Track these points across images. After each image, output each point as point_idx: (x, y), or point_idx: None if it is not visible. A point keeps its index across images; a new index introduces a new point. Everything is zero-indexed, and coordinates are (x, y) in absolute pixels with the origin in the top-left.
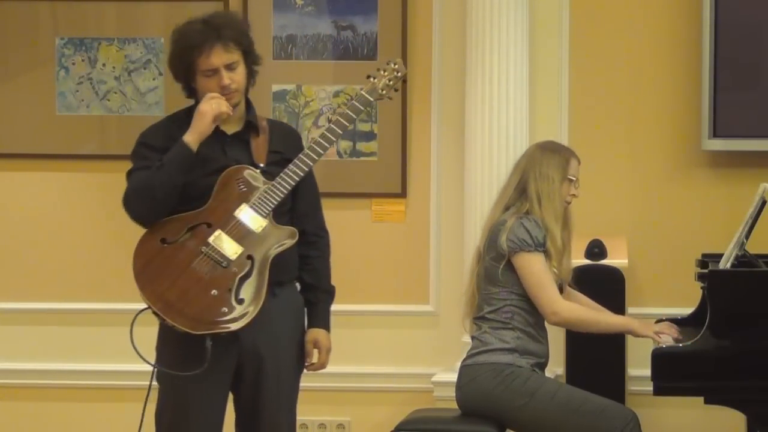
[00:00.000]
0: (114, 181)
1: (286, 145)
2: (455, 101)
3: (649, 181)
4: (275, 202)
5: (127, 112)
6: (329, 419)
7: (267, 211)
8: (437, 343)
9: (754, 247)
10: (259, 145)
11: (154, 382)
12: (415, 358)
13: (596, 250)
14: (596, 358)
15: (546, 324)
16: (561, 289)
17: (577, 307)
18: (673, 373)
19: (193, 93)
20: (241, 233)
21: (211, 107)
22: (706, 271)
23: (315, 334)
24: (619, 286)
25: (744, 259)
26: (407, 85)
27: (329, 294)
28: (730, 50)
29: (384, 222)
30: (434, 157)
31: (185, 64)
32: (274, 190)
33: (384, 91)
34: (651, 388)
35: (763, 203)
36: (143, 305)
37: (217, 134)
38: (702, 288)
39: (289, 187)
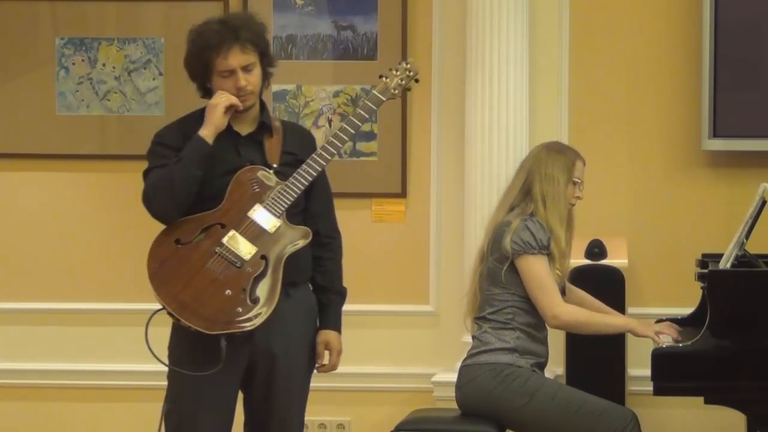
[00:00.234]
0: (114, 181)
1: (299, 145)
2: (455, 101)
3: (649, 181)
4: (289, 202)
5: (127, 112)
6: (329, 419)
7: (280, 211)
8: (437, 343)
9: (754, 247)
10: (273, 146)
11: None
12: (415, 358)
13: (596, 250)
14: (596, 358)
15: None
16: (563, 291)
17: (578, 310)
18: (673, 373)
19: (208, 93)
20: (254, 233)
21: (221, 100)
22: (706, 271)
23: (326, 335)
24: (619, 286)
25: (744, 259)
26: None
27: (341, 296)
28: (730, 50)
29: (384, 222)
30: (434, 157)
31: (202, 64)
32: (288, 190)
33: (396, 91)
34: (651, 388)
35: (763, 203)
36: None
37: (231, 135)
38: (702, 288)
39: (303, 187)
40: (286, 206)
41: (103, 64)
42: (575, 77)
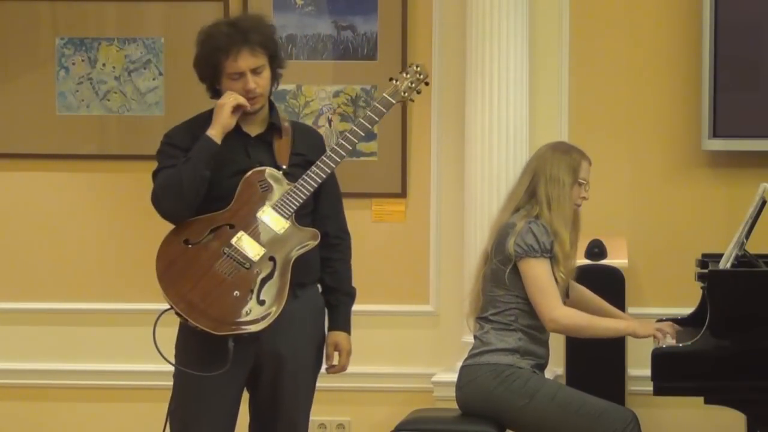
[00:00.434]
0: (114, 181)
1: (308, 147)
2: (455, 101)
3: (649, 181)
4: (297, 204)
5: (127, 112)
6: (329, 419)
7: (289, 213)
8: (437, 343)
9: (754, 247)
10: (282, 147)
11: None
12: (415, 358)
13: (596, 250)
14: (596, 358)
15: None
16: (567, 292)
17: (577, 314)
18: (673, 373)
19: (217, 95)
20: (263, 235)
21: (229, 100)
22: (706, 271)
23: (336, 336)
24: (619, 286)
25: (744, 259)
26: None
27: (350, 296)
28: (730, 50)
29: (384, 222)
30: (434, 157)
31: (211, 66)
32: (297, 191)
33: (406, 94)
34: (651, 388)
35: (763, 203)
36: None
37: (240, 136)
38: (702, 288)
39: (312, 189)
40: (295, 208)
41: (103, 64)
42: (575, 77)
